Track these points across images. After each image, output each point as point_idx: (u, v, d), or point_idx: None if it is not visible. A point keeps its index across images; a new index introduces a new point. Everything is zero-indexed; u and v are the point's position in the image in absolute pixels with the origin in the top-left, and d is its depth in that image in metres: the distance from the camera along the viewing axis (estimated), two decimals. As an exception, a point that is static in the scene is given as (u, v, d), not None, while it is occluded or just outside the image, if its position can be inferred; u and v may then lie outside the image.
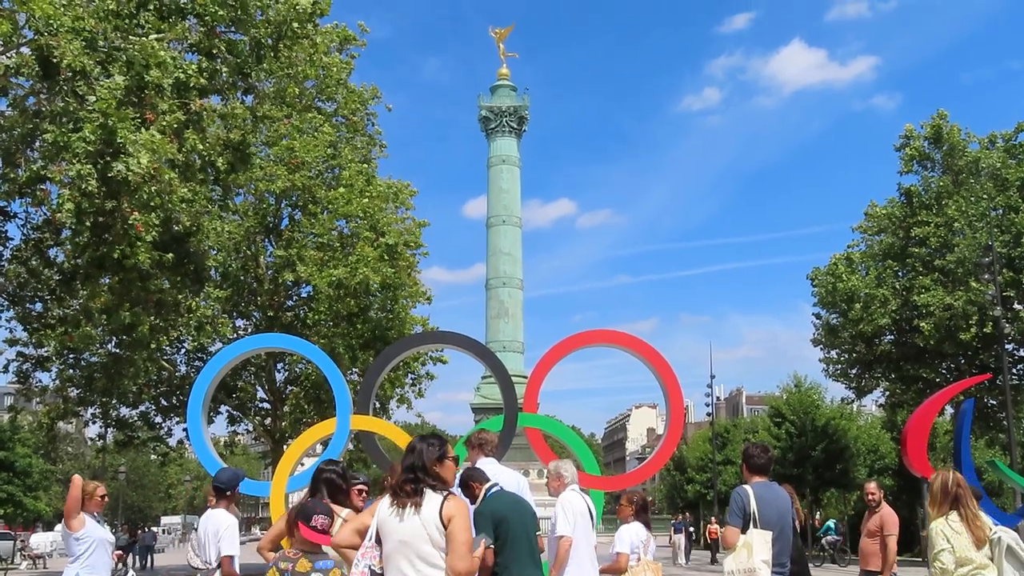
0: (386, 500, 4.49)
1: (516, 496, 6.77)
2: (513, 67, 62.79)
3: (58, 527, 44.84)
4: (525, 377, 24.04)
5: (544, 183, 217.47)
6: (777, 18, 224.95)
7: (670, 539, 38.51)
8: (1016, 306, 30.16)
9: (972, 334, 28.91)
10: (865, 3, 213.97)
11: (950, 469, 6.57)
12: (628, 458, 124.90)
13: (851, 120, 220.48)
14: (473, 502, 6.60)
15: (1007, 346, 29.07)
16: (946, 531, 6.12)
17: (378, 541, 4.49)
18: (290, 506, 6.81)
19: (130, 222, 13.03)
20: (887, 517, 9.13)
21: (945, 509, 6.24)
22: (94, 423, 29.81)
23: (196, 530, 7.32)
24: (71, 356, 25.61)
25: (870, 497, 9.65)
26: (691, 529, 44.73)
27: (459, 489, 6.48)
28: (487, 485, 6.71)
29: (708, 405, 50.90)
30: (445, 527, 4.28)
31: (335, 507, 5.95)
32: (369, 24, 28.04)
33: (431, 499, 4.34)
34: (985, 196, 30.61)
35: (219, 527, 6.97)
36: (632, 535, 8.28)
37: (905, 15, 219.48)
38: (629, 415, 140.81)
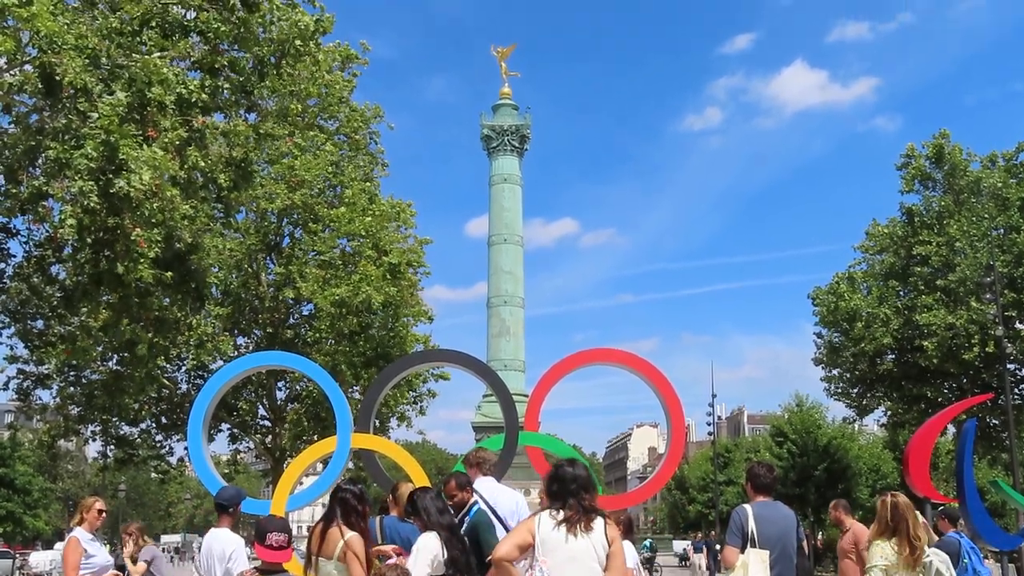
0: (546, 518, 4.95)
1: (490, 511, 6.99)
2: (515, 86, 62.95)
3: (58, 545, 44.69)
4: (526, 396, 23.98)
5: (547, 202, 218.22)
6: (778, 39, 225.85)
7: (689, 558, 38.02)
8: (1018, 326, 30.09)
9: (974, 354, 28.85)
10: (866, 25, 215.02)
11: (897, 495, 6.95)
12: (629, 477, 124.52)
13: (853, 141, 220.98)
14: (458, 510, 6.63)
15: (1009, 366, 29.00)
16: (886, 551, 6.67)
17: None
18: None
19: (132, 238, 13.02)
20: (859, 533, 8.98)
21: (887, 534, 6.74)
22: (94, 441, 29.73)
23: (199, 550, 7.32)
24: (72, 374, 25.57)
25: (830, 516, 9.72)
26: (718, 547, 43.63)
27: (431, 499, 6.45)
28: (471, 502, 6.77)
29: (710, 424, 50.81)
30: (609, 546, 4.86)
31: (343, 527, 5.91)
32: (373, 43, 28.23)
33: (597, 521, 4.90)
34: (986, 216, 30.62)
35: (225, 548, 6.94)
36: (631, 551, 8.31)
37: (906, 37, 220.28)
38: (630, 434, 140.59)
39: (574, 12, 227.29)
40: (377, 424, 23.45)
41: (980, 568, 9.36)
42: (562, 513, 4.91)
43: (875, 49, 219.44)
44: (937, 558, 7.21)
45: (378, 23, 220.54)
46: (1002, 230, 30.95)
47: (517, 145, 53.94)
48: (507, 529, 7.25)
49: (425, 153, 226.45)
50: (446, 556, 5.98)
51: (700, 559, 34.29)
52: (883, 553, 6.69)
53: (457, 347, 34.23)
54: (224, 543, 6.97)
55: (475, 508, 6.73)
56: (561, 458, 5.53)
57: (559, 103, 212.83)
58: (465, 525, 6.56)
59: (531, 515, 5.27)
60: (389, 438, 26.57)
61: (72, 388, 25.93)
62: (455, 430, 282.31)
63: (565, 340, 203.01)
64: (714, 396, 48.92)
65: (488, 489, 7.51)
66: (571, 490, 4.94)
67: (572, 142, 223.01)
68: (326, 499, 6.56)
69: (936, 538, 8.84)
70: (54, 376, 25.11)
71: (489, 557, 6.15)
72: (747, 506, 6.50)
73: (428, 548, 6.00)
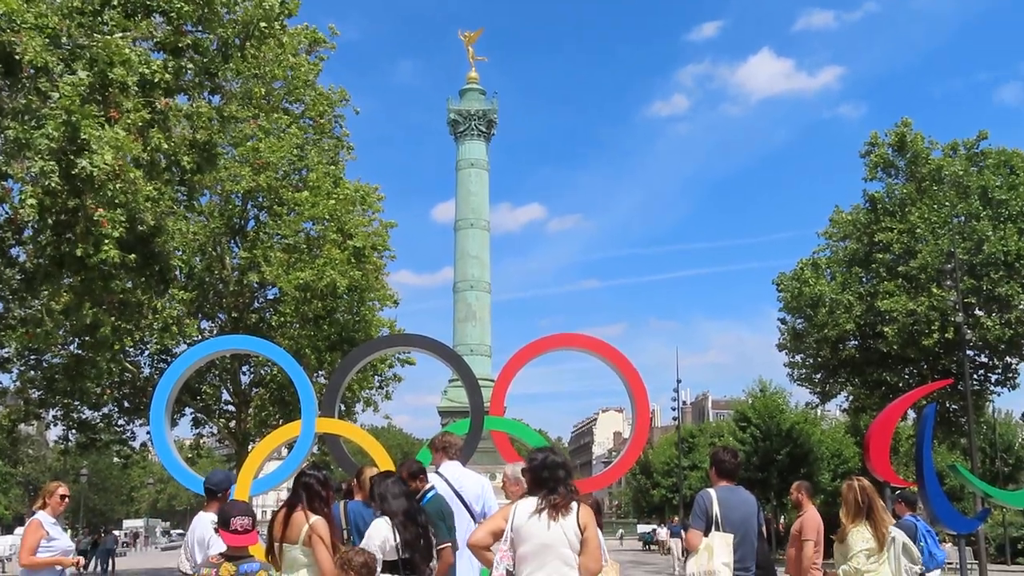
0: (523, 505, 4.97)
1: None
2: (483, 72, 62.98)
3: (18, 530, 44.23)
4: (492, 380, 24.02)
5: (515, 187, 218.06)
6: (745, 27, 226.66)
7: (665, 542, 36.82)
8: (977, 312, 30.48)
9: (934, 340, 29.20)
10: (831, 14, 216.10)
11: (861, 479, 7.13)
12: (595, 462, 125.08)
13: (818, 128, 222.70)
14: (413, 496, 6.58)
15: (968, 352, 29.38)
16: (865, 535, 6.96)
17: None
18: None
19: (95, 218, 12.87)
20: (806, 521, 8.80)
21: (861, 518, 7.02)
22: (56, 425, 29.42)
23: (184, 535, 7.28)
24: (32, 357, 25.29)
25: (791, 497, 9.62)
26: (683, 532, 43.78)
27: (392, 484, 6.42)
28: (426, 487, 6.75)
29: (674, 409, 51.06)
30: (582, 532, 4.86)
31: (307, 512, 5.91)
32: (342, 27, 27.91)
33: (571, 507, 4.92)
34: (947, 203, 30.94)
35: (204, 533, 6.90)
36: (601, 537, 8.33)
37: (871, 26, 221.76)
38: (596, 419, 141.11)
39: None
40: (342, 409, 23.42)
41: (936, 551, 9.50)
42: (545, 501, 4.92)
43: (840, 38, 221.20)
44: (900, 534, 7.38)
45: (345, 6, 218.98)
46: (962, 218, 31.29)
47: (484, 130, 53.82)
48: (471, 513, 7.26)
49: (392, 137, 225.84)
50: (399, 540, 5.98)
51: (677, 544, 32.77)
52: (864, 537, 6.95)
53: (423, 332, 34.07)
54: (204, 528, 6.94)
55: (428, 496, 6.72)
56: (535, 447, 5.52)
57: (526, 88, 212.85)
58: None
59: (510, 503, 5.29)
60: (355, 423, 26.53)
61: (33, 372, 25.65)
62: (421, 415, 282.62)
63: (531, 325, 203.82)
64: (679, 382, 49.36)
65: (454, 473, 7.52)
66: (560, 477, 4.99)
67: (539, 127, 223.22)
68: (290, 483, 6.53)
69: (893, 522, 8.94)
70: (14, 360, 24.81)
71: (437, 547, 6.24)
72: (711, 490, 6.57)
73: (378, 534, 6.01)
